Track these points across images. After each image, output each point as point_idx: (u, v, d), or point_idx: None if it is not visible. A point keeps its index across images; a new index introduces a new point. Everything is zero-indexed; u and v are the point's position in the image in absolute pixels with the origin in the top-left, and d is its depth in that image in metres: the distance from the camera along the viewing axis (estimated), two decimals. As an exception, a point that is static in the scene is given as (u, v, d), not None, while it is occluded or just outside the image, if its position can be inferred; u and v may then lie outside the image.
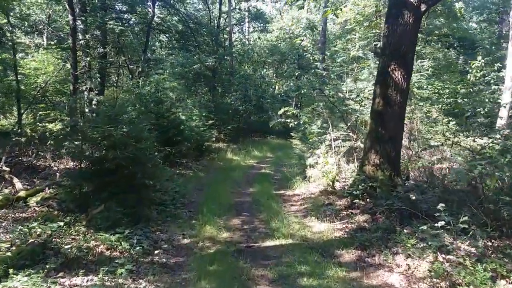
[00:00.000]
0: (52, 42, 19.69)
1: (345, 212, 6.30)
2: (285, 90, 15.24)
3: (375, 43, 11.56)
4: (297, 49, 28.72)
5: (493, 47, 15.79)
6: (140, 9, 18.11)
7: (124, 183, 6.18)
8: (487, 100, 9.05)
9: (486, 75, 9.50)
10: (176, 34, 22.47)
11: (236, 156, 14.26)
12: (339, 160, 7.64)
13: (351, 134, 8.04)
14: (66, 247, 4.64)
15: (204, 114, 13.34)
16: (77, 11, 15.70)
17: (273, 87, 30.59)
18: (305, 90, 9.87)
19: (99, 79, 16.12)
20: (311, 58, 9.73)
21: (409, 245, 4.54)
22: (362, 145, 7.99)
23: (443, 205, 4.58)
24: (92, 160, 6.48)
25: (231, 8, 25.90)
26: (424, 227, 4.46)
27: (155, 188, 7.03)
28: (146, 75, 12.91)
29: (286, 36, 30.05)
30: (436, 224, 4.43)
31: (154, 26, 20.81)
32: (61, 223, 5.12)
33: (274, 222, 6.15)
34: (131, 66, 18.12)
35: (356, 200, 6.44)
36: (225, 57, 22.07)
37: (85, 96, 12.20)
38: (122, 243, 4.89)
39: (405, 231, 5.08)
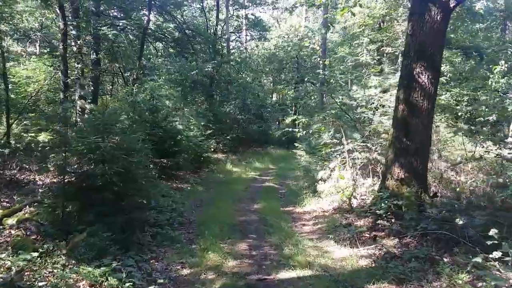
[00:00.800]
0: (45, 50, 18.97)
1: (367, 235, 5.49)
2: (290, 97, 14.47)
3: (383, 48, 10.87)
4: (297, 57, 28.28)
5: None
6: (135, 14, 17.41)
7: (114, 203, 5.36)
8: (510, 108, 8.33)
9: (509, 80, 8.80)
10: (172, 41, 21.85)
11: (236, 167, 13.46)
12: (356, 174, 6.85)
13: (369, 145, 7.27)
14: (40, 284, 3.80)
15: (202, 124, 12.55)
16: (69, 16, 15.05)
17: (271, 96, 29.98)
18: (314, 98, 9.14)
19: (92, 87, 15.37)
20: (320, 62, 8.93)
21: (460, 281, 3.73)
22: (379, 157, 7.22)
23: (496, 231, 3.81)
24: (77, 176, 5.65)
25: (229, 15, 25.34)
26: (478, 259, 3.67)
27: (149, 207, 6.20)
28: (141, 82, 12.13)
29: (285, 44, 29.48)
30: (491, 255, 3.65)
31: (150, 33, 20.15)
32: (36, 253, 4.27)
33: (287, 247, 5.32)
34: (126, 74, 17.33)
35: (380, 221, 5.65)
36: (223, 64, 21.40)
37: (75, 104, 11.36)
38: (109, 278, 4.03)
39: (445, 259, 4.29)
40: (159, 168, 9.74)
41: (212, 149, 15.27)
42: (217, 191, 9.54)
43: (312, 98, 9.59)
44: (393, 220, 5.70)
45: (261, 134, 20.59)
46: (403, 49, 11.79)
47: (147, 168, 6.61)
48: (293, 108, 31.45)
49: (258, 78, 24.20)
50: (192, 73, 13.79)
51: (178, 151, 10.68)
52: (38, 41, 21.28)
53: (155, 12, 20.09)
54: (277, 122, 29.11)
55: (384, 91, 8.77)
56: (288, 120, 8.23)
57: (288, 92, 9.17)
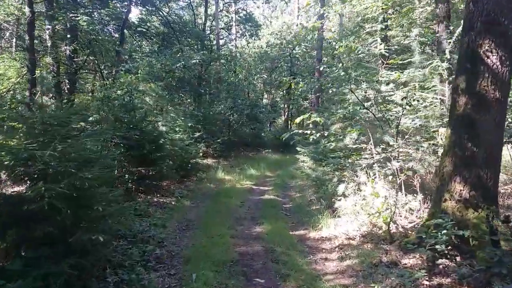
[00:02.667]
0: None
1: (427, 282, 3.83)
2: (303, 89, 12.75)
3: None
4: (290, 55, 26.73)
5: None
6: (114, 2, 15.58)
7: (55, 240, 3.61)
8: None
9: None
10: (157, 36, 20.03)
11: (229, 175, 11.74)
12: (396, 191, 5.19)
13: (410, 151, 5.64)
14: None
15: (189, 125, 10.81)
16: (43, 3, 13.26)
17: (261, 97, 28.28)
18: (333, 90, 7.51)
19: (67, 85, 13.53)
20: (335, 45, 7.28)
21: None
22: (420, 168, 5.59)
23: None
24: (4, 199, 3.88)
25: (218, 10, 23.65)
26: None
27: (111, 240, 4.45)
28: (117, 76, 10.35)
29: (278, 41, 27.91)
30: None
31: (132, 27, 18.32)
32: None
33: (313, 304, 3.63)
34: (104, 69, 15.48)
35: (440, 260, 4.01)
36: (212, 62, 19.67)
37: (33, 101, 9.52)
38: None
39: None
40: (136, 179, 7.99)
41: (201, 154, 13.53)
42: (207, 207, 7.81)
43: (331, 91, 7.95)
44: (457, 259, 4.06)
45: (254, 137, 18.90)
46: (420, 38, 10.30)
47: (112, 184, 4.86)
48: (285, 110, 30.01)
49: (251, 76, 22.47)
50: (178, 65, 12.01)
51: (160, 157, 8.92)
52: (10, 35, 19.41)
53: (137, 4, 18.28)
54: (269, 124, 27.47)
55: (404, 85, 7.20)
56: (299, 119, 6.34)
57: (299, 85, 7.40)
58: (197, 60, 13.29)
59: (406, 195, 5.38)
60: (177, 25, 19.79)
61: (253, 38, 28.65)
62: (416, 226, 5.00)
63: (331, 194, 6.71)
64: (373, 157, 5.66)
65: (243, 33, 26.65)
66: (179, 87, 16.64)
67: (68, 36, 13.38)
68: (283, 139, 6.37)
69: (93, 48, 14.69)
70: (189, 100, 19.00)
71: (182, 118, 12.22)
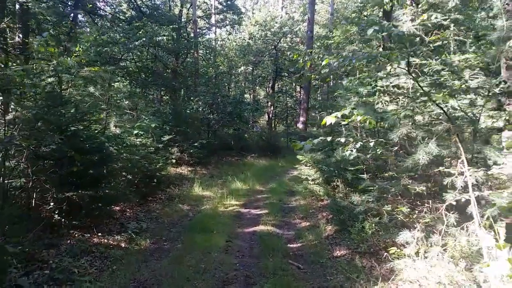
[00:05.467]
0: None
1: None
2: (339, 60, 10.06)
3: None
4: (275, 47, 24.23)
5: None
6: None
7: None
8: None
9: None
10: (123, 22, 16.99)
11: (209, 190, 9.08)
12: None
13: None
14: None
15: (153, 125, 8.01)
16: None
17: (244, 93, 25.52)
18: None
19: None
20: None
21: None
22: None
23: None
24: None
25: (196, -5, 20.83)
26: None
27: None
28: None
29: (262, 32, 25.31)
30: None
31: (91, 10, 15.24)
32: None
33: None
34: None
35: None
36: (189, 54, 16.88)
37: None
38: None
39: None
40: (65, 210, 5.21)
41: (174, 161, 10.82)
42: (176, 252, 5.13)
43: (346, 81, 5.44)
44: None
45: (238, 139, 16.24)
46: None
47: None
48: (271, 108, 27.38)
49: (233, 68, 19.75)
50: (138, 42, 9.17)
51: (110, 172, 6.20)
52: None
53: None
54: (251, 123, 24.78)
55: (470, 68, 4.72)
56: (331, 118, 3.81)
57: (324, 59, 4.78)
58: (165, 38, 10.47)
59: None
60: (147, 9, 16.93)
61: (235, 28, 25.97)
62: None
63: (368, 235, 4.19)
64: (466, 184, 3.13)
65: (224, 23, 23.83)
66: (150, 82, 13.81)
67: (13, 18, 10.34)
68: (301, 149, 3.78)
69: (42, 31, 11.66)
70: (165, 97, 16.14)
71: (148, 116, 9.46)
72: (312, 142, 3.51)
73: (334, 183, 7.36)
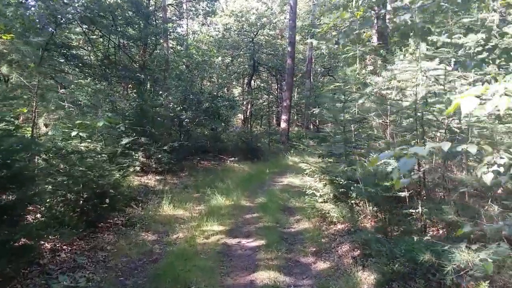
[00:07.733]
0: None
1: None
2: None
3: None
4: (253, 40, 22.33)
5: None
6: None
7: None
8: None
9: None
10: (81, 7, 14.45)
11: (182, 208, 7.01)
12: None
13: None
14: None
15: (101, 124, 5.73)
16: None
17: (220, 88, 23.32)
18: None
19: None
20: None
21: None
22: None
23: None
24: None
25: (165, -20, 18.53)
26: None
27: None
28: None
29: (238, 24, 23.31)
30: None
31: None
32: None
33: None
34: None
35: None
36: (158, 44, 14.61)
37: None
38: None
39: None
40: None
41: (138, 168, 8.67)
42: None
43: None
44: None
45: (214, 140, 14.12)
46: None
47: None
48: (248, 106, 25.40)
49: (209, 59, 17.60)
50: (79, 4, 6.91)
51: (32, 196, 4.04)
52: None
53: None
54: (226, 121, 22.66)
55: None
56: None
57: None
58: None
59: None
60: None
61: (207, 19, 23.75)
62: None
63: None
64: None
65: (197, 12, 21.53)
66: (105, 67, 11.48)
67: None
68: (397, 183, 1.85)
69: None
70: (132, 93, 13.71)
71: (102, 112, 7.24)
72: (407, 153, 1.56)
73: (353, 201, 5.49)
